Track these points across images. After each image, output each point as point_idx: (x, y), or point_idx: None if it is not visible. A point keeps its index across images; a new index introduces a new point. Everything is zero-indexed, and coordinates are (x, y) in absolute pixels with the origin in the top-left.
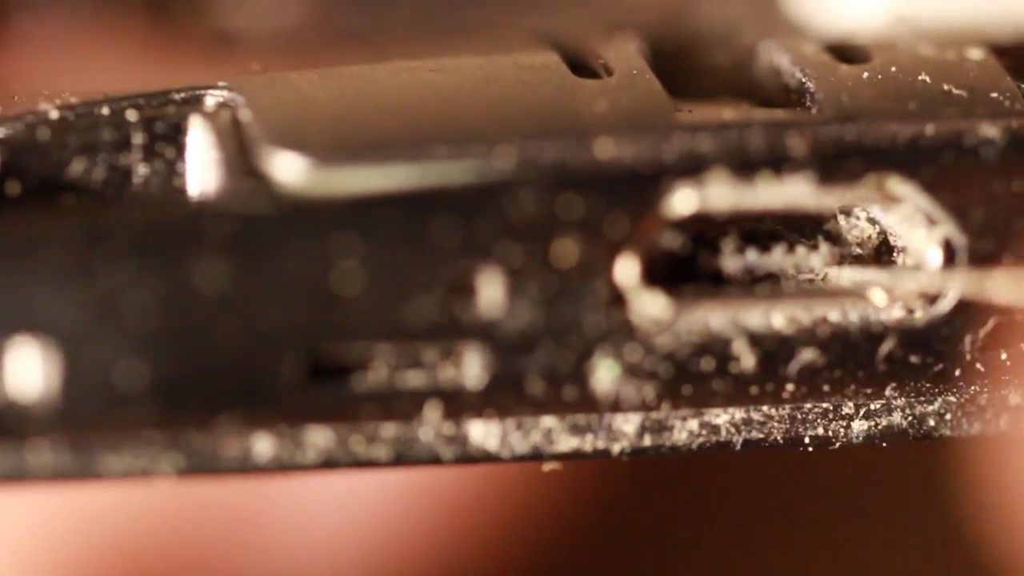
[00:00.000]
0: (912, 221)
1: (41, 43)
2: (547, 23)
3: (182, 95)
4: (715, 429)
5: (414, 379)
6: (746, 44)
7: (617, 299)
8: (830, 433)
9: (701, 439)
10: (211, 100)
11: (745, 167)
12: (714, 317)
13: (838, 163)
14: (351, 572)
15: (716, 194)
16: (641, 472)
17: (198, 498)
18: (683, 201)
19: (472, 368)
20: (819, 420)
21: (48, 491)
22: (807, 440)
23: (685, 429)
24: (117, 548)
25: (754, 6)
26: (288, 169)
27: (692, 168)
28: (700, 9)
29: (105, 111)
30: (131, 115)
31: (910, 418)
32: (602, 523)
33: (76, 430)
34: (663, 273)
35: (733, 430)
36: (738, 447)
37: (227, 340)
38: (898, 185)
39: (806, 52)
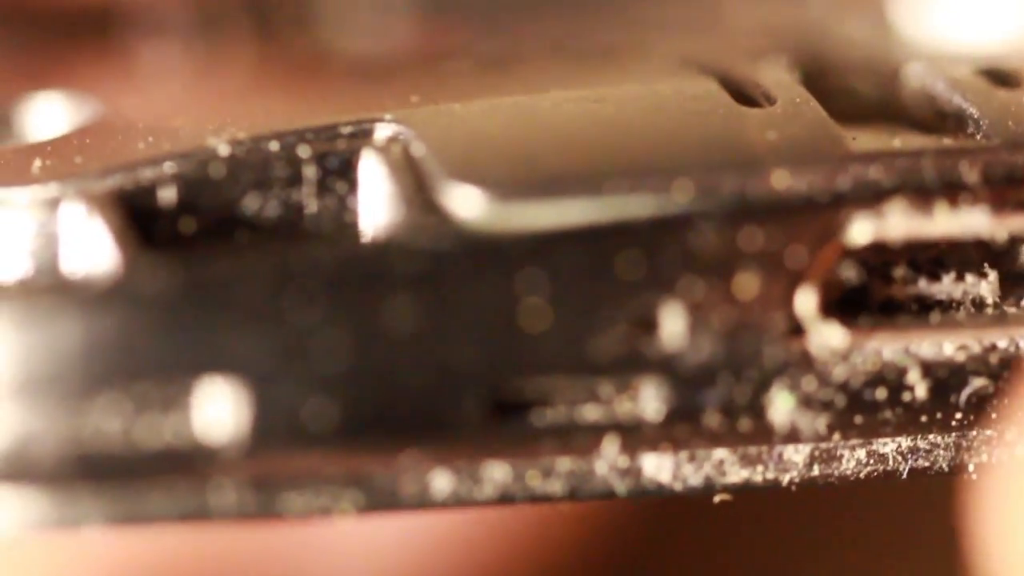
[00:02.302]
0: None
1: (167, 73)
2: (681, 47)
3: (350, 129)
4: (883, 458)
5: (592, 413)
6: (883, 66)
7: (796, 330)
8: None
9: (868, 468)
10: (381, 133)
11: (921, 196)
12: (888, 347)
13: (1011, 191)
14: None
15: (894, 224)
16: (652, 514)
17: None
18: (862, 231)
19: (650, 402)
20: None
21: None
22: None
23: (853, 458)
24: None
25: (882, 28)
26: (468, 204)
27: (870, 198)
28: (830, 32)
29: (275, 146)
30: (302, 150)
31: None
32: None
33: (259, 470)
34: (837, 303)
35: (900, 458)
36: (904, 475)
37: (411, 377)
38: None
39: (960, 77)
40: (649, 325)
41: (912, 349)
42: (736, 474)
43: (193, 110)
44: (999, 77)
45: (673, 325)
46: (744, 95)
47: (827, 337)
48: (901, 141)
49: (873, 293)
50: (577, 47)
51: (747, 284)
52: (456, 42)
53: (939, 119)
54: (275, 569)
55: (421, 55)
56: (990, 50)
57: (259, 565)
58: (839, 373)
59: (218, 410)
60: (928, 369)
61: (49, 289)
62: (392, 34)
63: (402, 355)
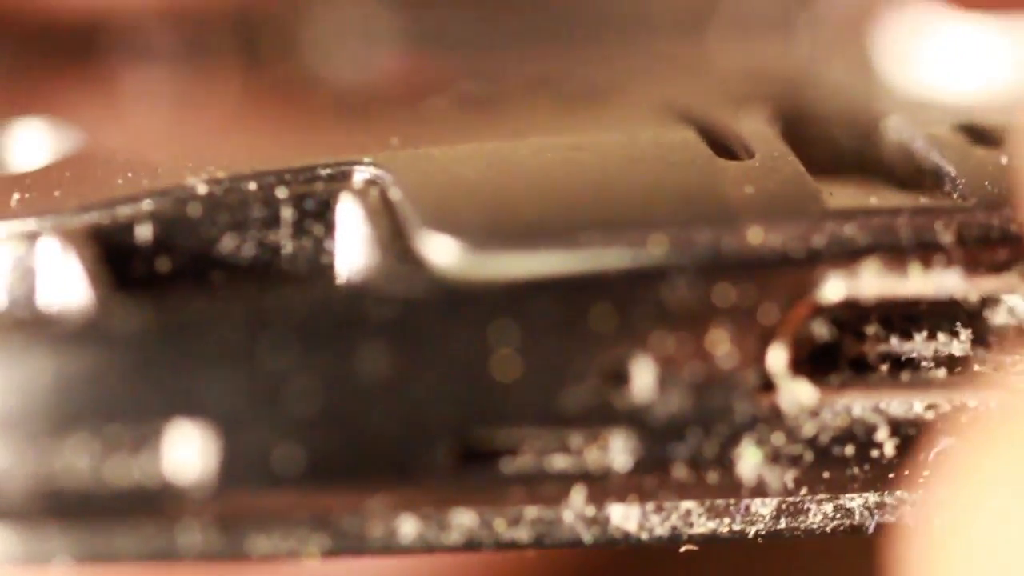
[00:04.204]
0: None
1: (151, 105)
2: (664, 91)
3: (328, 171)
4: (849, 512)
5: (561, 463)
6: (864, 118)
7: (766, 386)
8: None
9: (835, 522)
10: (359, 176)
11: (896, 256)
12: (858, 404)
13: (985, 252)
14: None
15: (868, 283)
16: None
17: None
18: (834, 289)
19: (619, 453)
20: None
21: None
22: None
23: (820, 512)
24: None
25: (865, 79)
26: (444, 253)
27: (843, 256)
28: (811, 80)
29: (253, 186)
30: (280, 192)
31: None
32: None
33: (227, 511)
34: (808, 359)
35: (867, 513)
36: (871, 530)
37: (381, 423)
38: None
39: (939, 133)
40: (620, 378)
41: (882, 407)
42: (703, 525)
43: (174, 144)
44: (978, 134)
45: (644, 378)
46: (723, 146)
47: (797, 394)
48: (877, 199)
49: (844, 350)
50: (560, 87)
51: (719, 339)
52: (440, 77)
53: (917, 175)
54: None
55: (404, 90)
56: (973, 100)
57: None
58: (808, 429)
59: (187, 451)
60: (897, 427)
61: (24, 324)
62: (377, 66)
63: (373, 401)
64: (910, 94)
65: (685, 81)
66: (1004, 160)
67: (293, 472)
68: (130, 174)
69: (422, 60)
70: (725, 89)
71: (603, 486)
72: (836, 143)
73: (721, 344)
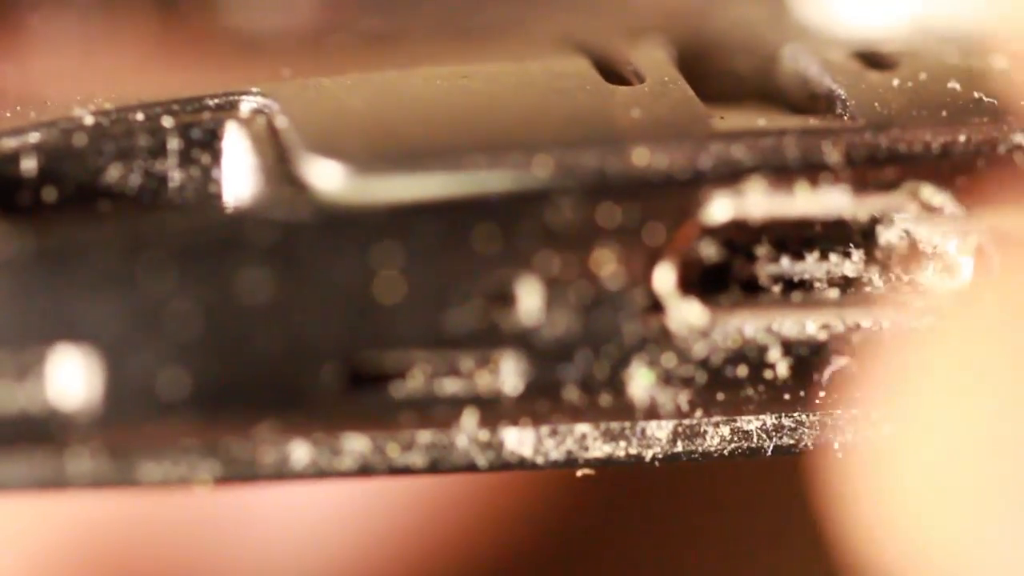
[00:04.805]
0: (945, 230)
1: (57, 46)
2: (565, 26)
3: (216, 101)
4: (747, 435)
5: (451, 386)
6: (766, 49)
7: (654, 307)
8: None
9: (732, 445)
10: (246, 106)
11: (782, 175)
12: (749, 325)
13: (873, 171)
14: None
15: (753, 203)
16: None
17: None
18: (720, 209)
19: (509, 376)
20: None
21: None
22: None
23: (717, 435)
24: (102, 553)
25: (768, 10)
26: (327, 177)
27: (729, 176)
28: (716, 12)
29: (140, 117)
30: (167, 121)
31: None
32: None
33: (116, 438)
34: (698, 281)
35: (764, 436)
36: (768, 453)
37: (267, 348)
38: (933, 194)
39: (833, 58)
40: (507, 299)
41: (774, 327)
42: (599, 449)
43: (70, 82)
44: (873, 60)
45: (530, 300)
46: (615, 74)
47: (686, 314)
48: (766, 121)
49: (735, 272)
50: (461, 24)
51: (605, 260)
52: (346, 19)
53: (811, 100)
54: (229, 532)
55: (308, 29)
56: (875, 28)
57: (210, 527)
58: (699, 350)
59: (73, 378)
60: (790, 347)
61: None
62: (292, 11)
63: (258, 326)
64: (812, 24)
65: (586, 18)
66: (896, 82)
67: (180, 398)
68: (19, 107)
69: (334, 4)
70: (625, 24)
71: (495, 409)
72: (735, 74)
73: (607, 265)
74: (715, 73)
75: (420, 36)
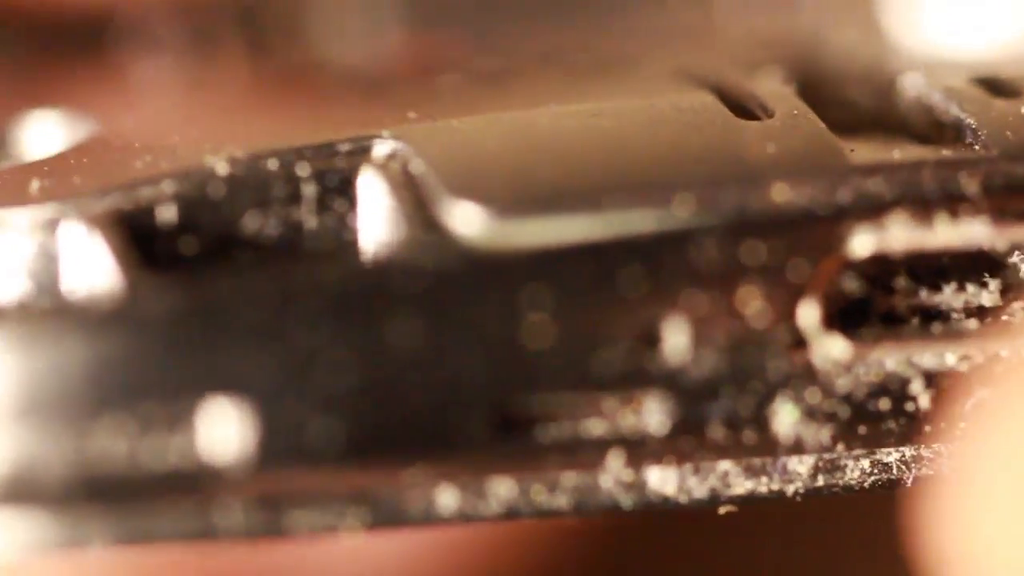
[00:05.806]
0: None
1: (161, 89)
2: (676, 59)
3: (348, 146)
4: (886, 467)
5: (597, 428)
6: (879, 77)
7: (799, 343)
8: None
9: (873, 478)
10: (379, 150)
11: (921, 208)
12: (891, 358)
13: (1010, 201)
14: None
15: (895, 236)
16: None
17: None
18: (863, 244)
19: (655, 415)
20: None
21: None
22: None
23: (857, 468)
24: None
25: (877, 37)
26: (469, 221)
27: (870, 210)
28: (824, 42)
29: (274, 165)
30: (301, 169)
31: None
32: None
33: (265, 488)
34: (840, 314)
35: (904, 467)
36: (908, 484)
37: (416, 394)
38: None
39: (956, 86)
40: (652, 339)
41: (915, 360)
42: (741, 485)
43: (189, 127)
44: (995, 87)
45: (676, 339)
46: (741, 108)
47: (830, 349)
48: (900, 152)
49: (875, 305)
50: (570, 59)
51: (749, 298)
52: (448, 55)
53: (937, 130)
54: None
55: (414, 68)
56: (984, 58)
57: None
58: (842, 384)
59: (223, 430)
60: (931, 379)
61: (50, 311)
62: (383, 46)
63: (406, 372)
64: (922, 51)
65: (695, 50)
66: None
67: (329, 447)
68: (148, 157)
69: (429, 38)
70: (736, 57)
71: (640, 449)
72: (852, 103)
73: (752, 302)
74: (831, 103)
75: (529, 73)
